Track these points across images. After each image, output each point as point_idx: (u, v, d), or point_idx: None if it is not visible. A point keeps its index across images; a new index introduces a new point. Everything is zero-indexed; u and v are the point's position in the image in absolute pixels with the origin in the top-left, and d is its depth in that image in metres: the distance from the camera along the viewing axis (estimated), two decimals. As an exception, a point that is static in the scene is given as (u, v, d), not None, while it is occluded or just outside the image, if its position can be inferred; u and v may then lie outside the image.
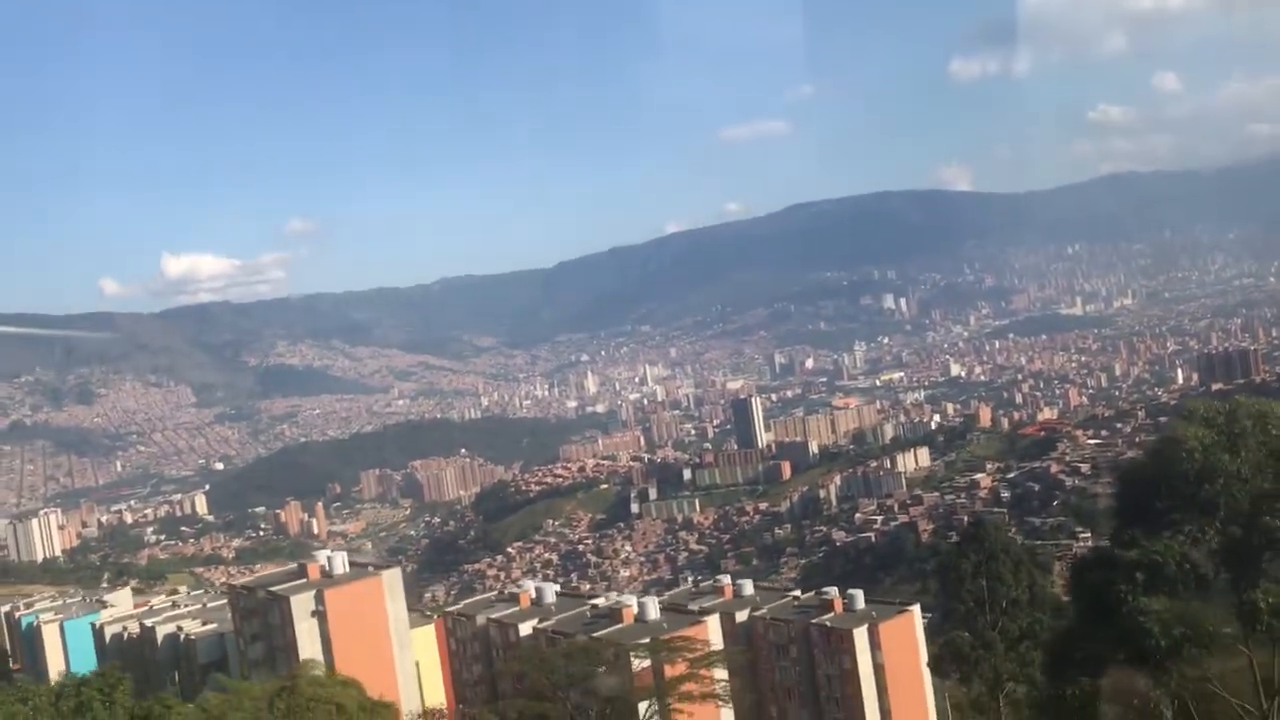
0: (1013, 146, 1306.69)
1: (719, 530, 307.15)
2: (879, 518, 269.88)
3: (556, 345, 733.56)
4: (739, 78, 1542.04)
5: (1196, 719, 28.52)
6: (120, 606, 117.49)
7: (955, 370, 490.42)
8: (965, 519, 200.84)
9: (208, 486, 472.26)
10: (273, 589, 78.49)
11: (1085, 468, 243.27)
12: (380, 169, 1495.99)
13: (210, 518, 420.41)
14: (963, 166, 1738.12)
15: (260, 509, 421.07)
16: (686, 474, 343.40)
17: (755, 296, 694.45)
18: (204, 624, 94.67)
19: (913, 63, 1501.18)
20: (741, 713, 80.00)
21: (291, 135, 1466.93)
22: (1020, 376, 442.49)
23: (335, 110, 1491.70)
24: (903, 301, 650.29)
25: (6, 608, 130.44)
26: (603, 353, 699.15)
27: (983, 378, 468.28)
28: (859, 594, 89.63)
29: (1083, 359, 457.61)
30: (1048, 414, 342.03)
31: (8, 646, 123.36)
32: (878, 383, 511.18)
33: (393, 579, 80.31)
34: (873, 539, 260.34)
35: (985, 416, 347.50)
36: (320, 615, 74.37)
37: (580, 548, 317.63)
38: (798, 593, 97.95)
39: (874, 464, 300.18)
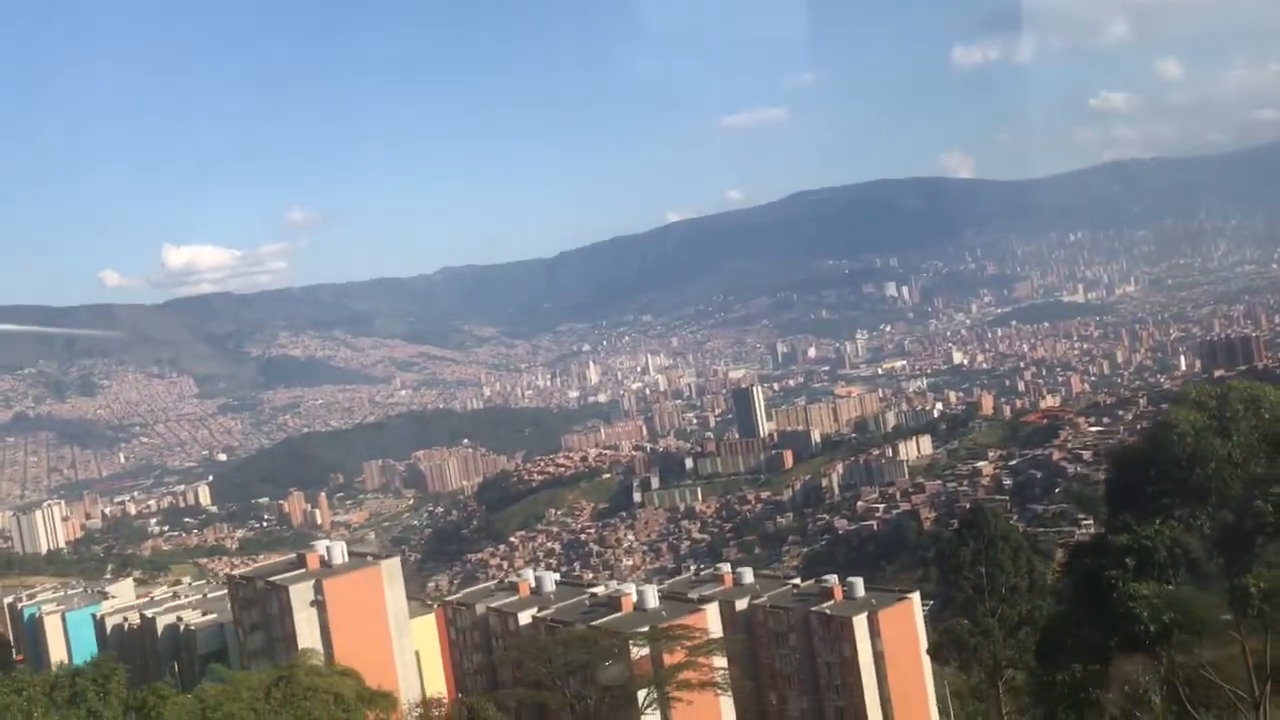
0: (1014, 134, 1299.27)
1: (721, 519, 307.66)
2: (881, 506, 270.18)
3: (558, 335, 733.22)
4: (740, 65, 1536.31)
5: (1188, 704, 28.44)
6: (122, 597, 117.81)
7: (957, 358, 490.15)
8: (967, 507, 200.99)
9: (211, 477, 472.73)
10: (271, 579, 78.54)
11: (1087, 455, 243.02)
12: (381, 159, 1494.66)
13: (213, 509, 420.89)
14: (965, 154, 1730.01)
15: (263, 500, 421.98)
16: (689, 463, 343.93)
17: (757, 285, 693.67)
18: (204, 614, 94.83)
19: (914, 50, 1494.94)
20: (741, 700, 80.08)
21: (292, 125, 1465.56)
22: (1022, 364, 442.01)
23: (336, 100, 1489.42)
24: (905, 289, 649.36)
25: (9, 599, 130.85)
26: (605, 342, 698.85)
27: (985, 365, 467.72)
28: (859, 582, 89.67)
29: (1085, 346, 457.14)
30: (1050, 401, 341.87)
31: (10, 638, 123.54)
32: (880, 371, 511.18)
33: (391, 568, 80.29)
34: (875, 527, 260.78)
35: (987, 404, 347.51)
36: (319, 605, 74.39)
37: (583, 537, 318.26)
38: (797, 581, 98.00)
39: (876, 452, 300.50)
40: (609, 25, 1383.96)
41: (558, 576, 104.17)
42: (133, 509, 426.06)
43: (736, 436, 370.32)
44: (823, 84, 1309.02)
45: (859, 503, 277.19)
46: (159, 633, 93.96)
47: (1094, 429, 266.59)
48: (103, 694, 36.81)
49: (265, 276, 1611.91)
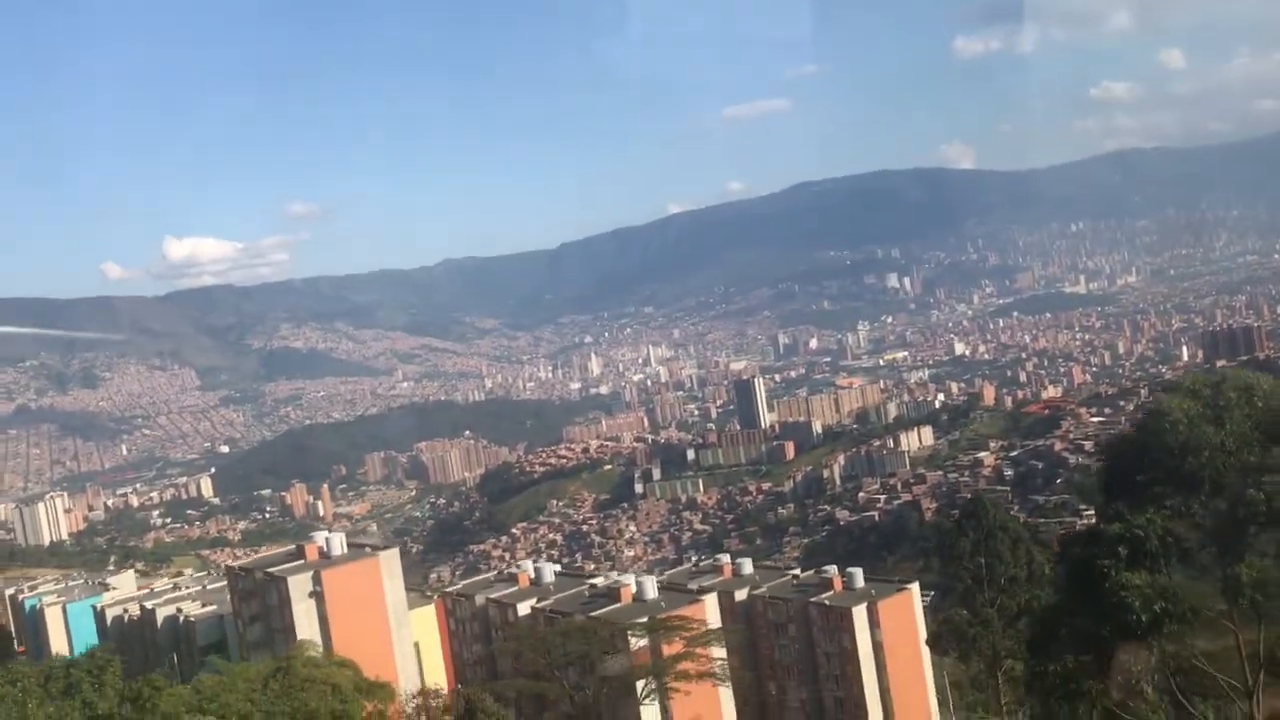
0: (1016, 124, 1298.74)
1: (722, 510, 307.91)
2: (882, 497, 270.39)
3: (560, 327, 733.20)
4: (741, 56, 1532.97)
5: (1179, 694, 28.41)
6: (122, 589, 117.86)
7: (959, 349, 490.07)
8: (968, 497, 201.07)
9: (213, 469, 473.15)
10: (270, 570, 78.60)
11: (1089, 445, 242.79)
12: (382, 150, 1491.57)
13: (216, 500, 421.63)
14: (966, 144, 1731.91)
15: (266, 491, 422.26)
16: (690, 454, 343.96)
17: (758, 276, 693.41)
18: (204, 606, 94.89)
19: (916, 40, 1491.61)
20: (741, 691, 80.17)
21: (294, 117, 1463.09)
22: (1024, 355, 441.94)
23: (337, 92, 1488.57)
24: (906, 280, 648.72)
25: (11, 591, 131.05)
26: (606, 334, 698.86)
27: (986, 356, 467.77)
28: (858, 572, 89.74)
29: (1086, 337, 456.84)
30: (1051, 392, 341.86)
31: (12, 629, 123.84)
32: (881, 362, 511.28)
33: (390, 559, 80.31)
34: (876, 518, 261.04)
35: (989, 395, 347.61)
36: (318, 596, 74.47)
37: (584, 528, 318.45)
38: (797, 571, 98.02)
39: (877, 443, 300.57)
40: (610, 16, 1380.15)
41: (557, 567, 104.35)
42: (135, 501, 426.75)
43: (738, 428, 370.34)
44: (824, 75, 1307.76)
45: (860, 493, 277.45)
46: (159, 624, 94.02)
47: (1096, 419, 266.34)
48: (98, 685, 36.87)
49: (267, 268, 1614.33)
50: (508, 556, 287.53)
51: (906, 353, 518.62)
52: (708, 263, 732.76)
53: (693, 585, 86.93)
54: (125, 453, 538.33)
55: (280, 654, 63.22)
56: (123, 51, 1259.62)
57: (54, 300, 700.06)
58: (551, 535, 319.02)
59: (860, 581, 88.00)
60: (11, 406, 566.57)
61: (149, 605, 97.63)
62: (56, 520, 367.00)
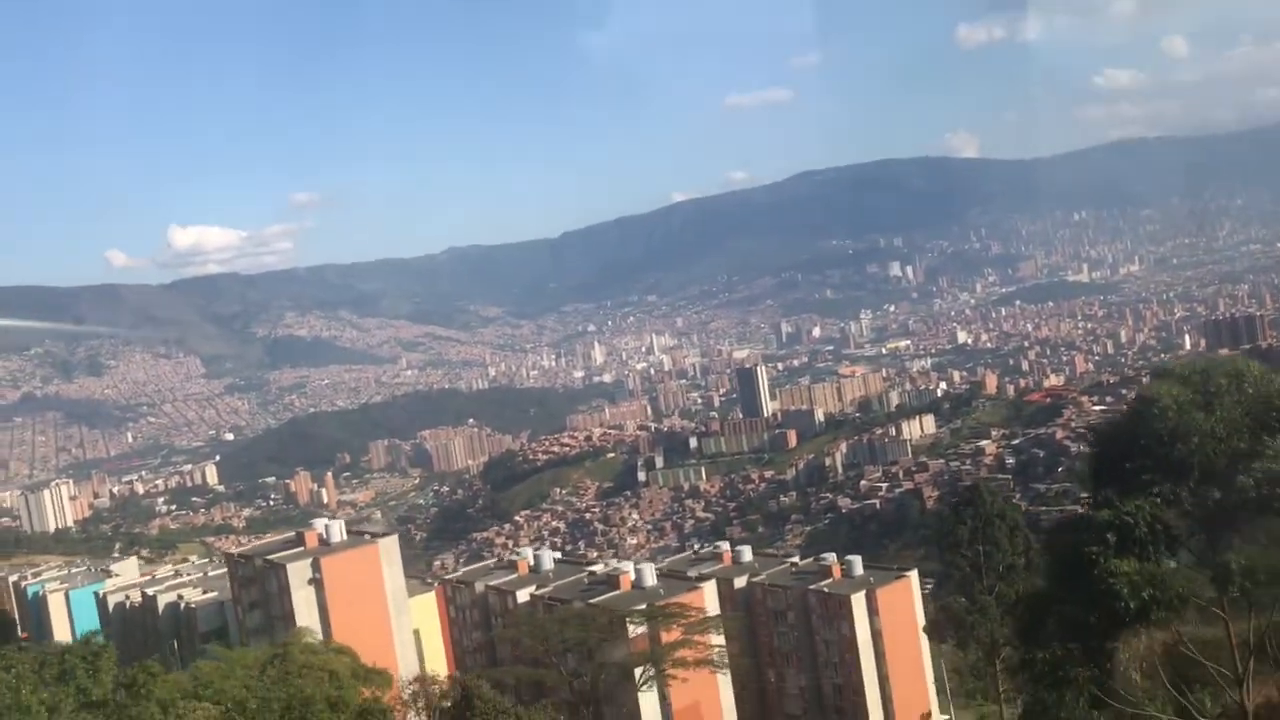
0: (1019, 112, 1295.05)
1: (725, 498, 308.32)
2: (884, 485, 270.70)
3: (563, 315, 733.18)
4: (744, 45, 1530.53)
5: (1167, 683, 28.42)
6: (125, 576, 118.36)
7: (962, 338, 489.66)
8: (969, 485, 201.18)
9: (218, 457, 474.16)
10: (270, 557, 78.88)
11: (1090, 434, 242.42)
12: (386, 139, 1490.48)
13: (220, 488, 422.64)
14: (969, 133, 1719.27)
15: (270, 479, 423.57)
16: (693, 442, 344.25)
17: (761, 265, 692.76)
18: (205, 593, 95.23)
19: (919, 28, 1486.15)
20: (739, 678, 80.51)
21: (298, 106, 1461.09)
22: (1026, 343, 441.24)
23: (341, 81, 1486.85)
24: (909, 269, 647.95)
25: (14, 578, 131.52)
26: (609, 322, 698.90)
27: (989, 345, 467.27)
28: (857, 560, 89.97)
29: (1089, 326, 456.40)
30: (1054, 381, 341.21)
31: (16, 616, 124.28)
32: (884, 351, 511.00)
33: (389, 546, 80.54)
34: (878, 506, 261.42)
35: (991, 384, 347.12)
36: (317, 583, 74.77)
37: (587, 516, 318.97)
38: (796, 559, 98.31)
39: (879, 431, 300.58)
40: (614, 5, 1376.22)
41: (557, 555, 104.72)
42: (140, 488, 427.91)
43: (740, 416, 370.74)
44: (827, 63, 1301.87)
45: (862, 482, 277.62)
46: (160, 611, 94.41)
47: (1097, 408, 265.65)
48: (92, 671, 37.00)
49: (271, 257, 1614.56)
50: (511, 544, 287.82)
51: (909, 341, 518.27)
52: (711, 251, 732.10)
53: (692, 573, 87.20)
54: (130, 440, 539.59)
55: (280, 641, 63.42)
56: (127, 40, 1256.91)
57: (59, 288, 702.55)
58: (554, 523, 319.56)
59: (859, 569, 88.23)
60: (17, 394, 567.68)
61: (150, 592, 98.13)
62: (62, 507, 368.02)
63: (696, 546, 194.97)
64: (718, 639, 71.90)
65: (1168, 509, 26.49)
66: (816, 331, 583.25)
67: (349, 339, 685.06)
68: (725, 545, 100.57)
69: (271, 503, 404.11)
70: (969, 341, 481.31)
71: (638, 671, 70.72)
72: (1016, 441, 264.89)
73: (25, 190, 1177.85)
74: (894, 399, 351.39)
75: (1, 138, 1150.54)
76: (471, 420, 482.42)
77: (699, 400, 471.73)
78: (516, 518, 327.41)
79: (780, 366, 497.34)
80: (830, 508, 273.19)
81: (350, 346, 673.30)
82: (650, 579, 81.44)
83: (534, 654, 72.83)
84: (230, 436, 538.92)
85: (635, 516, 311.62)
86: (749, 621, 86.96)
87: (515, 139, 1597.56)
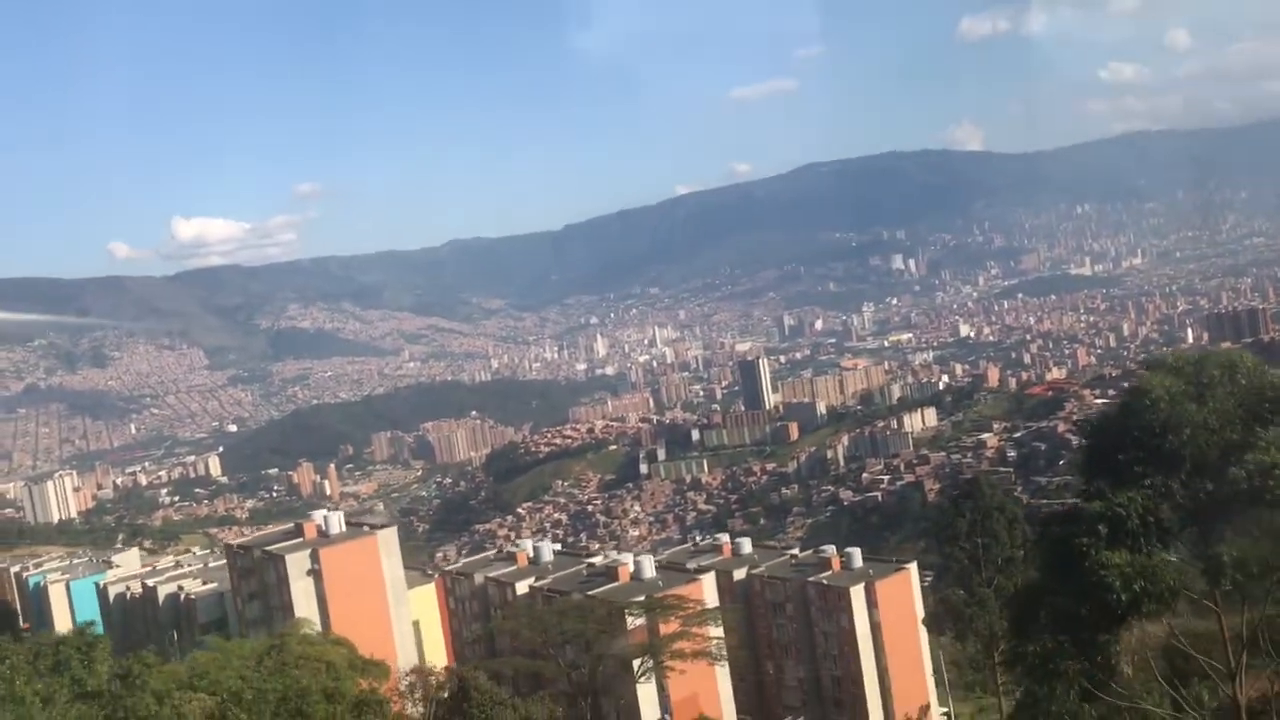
0: (1023, 105, 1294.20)
1: (727, 490, 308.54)
2: (886, 477, 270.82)
3: (566, 307, 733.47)
4: (748, 37, 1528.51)
5: (1159, 676, 28.35)
6: (126, 567, 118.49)
7: (964, 331, 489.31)
8: (968, 478, 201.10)
9: (221, 448, 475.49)
10: (268, 548, 78.95)
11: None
12: (389, 132, 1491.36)
13: (224, 479, 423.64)
14: (973, 126, 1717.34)
15: (273, 471, 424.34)
16: (695, 435, 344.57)
17: (764, 258, 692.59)
18: (205, 584, 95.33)
19: (923, 21, 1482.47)
20: (738, 670, 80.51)
21: (300, 98, 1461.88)
22: (1029, 337, 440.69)
23: (344, 72, 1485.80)
24: (912, 262, 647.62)
25: (16, 568, 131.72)
26: (612, 315, 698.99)
27: (991, 338, 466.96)
28: (856, 552, 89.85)
29: (1092, 319, 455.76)
30: (1056, 374, 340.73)
31: (17, 606, 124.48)
32: (886, 343, 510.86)
33: (388, 538, 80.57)
34: (879, 498, 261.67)
35: (993, 377, 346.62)
36: (315, 574, 74.84)
37: (589, 508, 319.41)
38: (795, 551, 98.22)
39: (881, 424, 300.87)
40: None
41: (556, 546, 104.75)
42: (144, 479, 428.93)
43: (742, 408, 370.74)
44: (831, 56, 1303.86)
45: (864, 474, 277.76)
46: (160, 602, 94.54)
47: (1099, 401, 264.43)
48: (87, 662, 37.02)
49: (274, 249, 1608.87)
50: (513, 536, 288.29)
51: (911, 334, 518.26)
52: (713, 244, 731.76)
53: (691, 565, 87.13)
54: (134, 431, 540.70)
55: (278, 632, 63.52)
56: (131, 33, 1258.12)
57: (63, 280, 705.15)
58: (557, 515, 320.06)
59: (858, 561, 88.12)
60: (21, 385, 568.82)
61: (151, 583, 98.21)
62: (65, 498, 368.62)
63: (698, 538, 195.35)
64: (716, 631, 71.86)
65: (1160, 501, 26.38)
66: (819, 324, 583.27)
67: (352, 331, 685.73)
68: (725, 537, 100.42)
69: (274, 494, 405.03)
70: (971, 334, 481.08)
71: (636, 663, 70.73)
72: (1018, 435, 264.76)
73: (30, 182, 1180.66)
74: (896, 392, 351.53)
75: (6, 130, 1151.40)
76: (474, 412, 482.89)
77: (701, 393, 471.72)
78: (519, 510, 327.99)
79: (782, 359, 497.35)
80: (832, 500, 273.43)
81: (353, 338, 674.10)
82: (649, 571, 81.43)
83: (532, 645, 72.88)
84: (233, 428, 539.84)
85: (637, 509, 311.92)
86: (748, 614, 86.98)
87: (518, 131, 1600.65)
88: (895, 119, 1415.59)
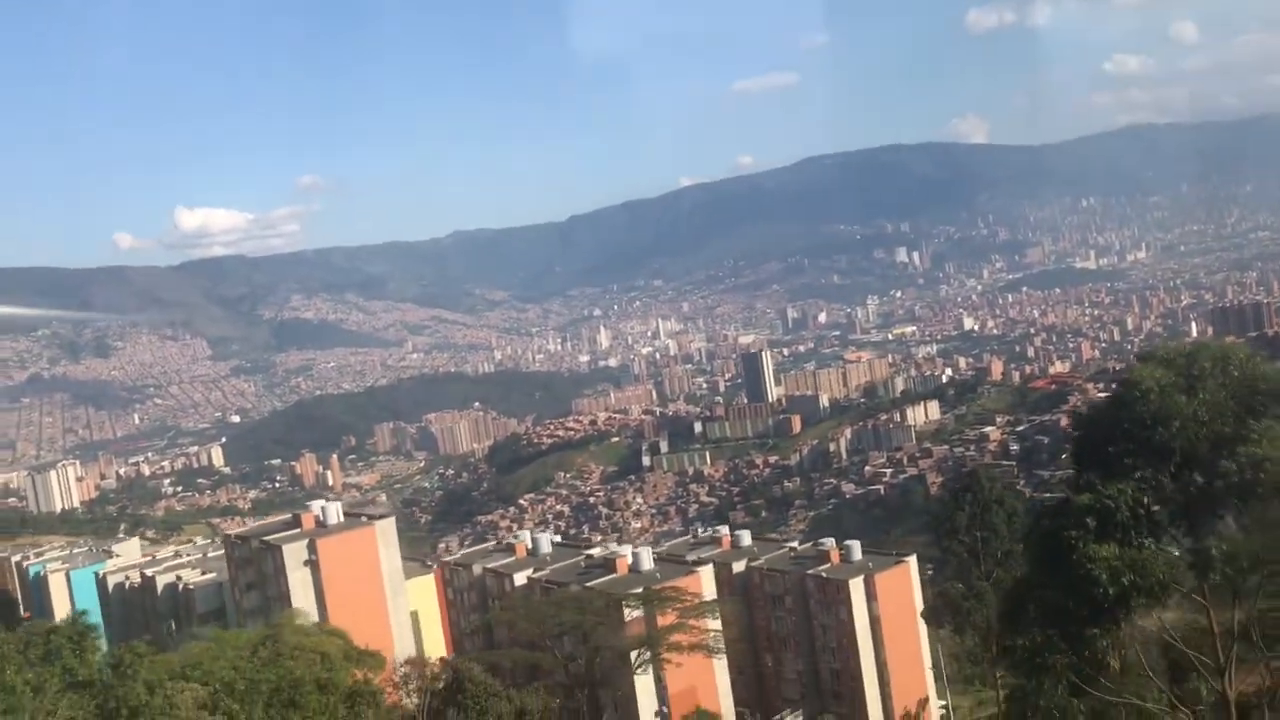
0: (1027, 98, 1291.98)
1: (729, 483, 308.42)
2: (888, 470, 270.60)
3: (569, 299, 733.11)
4: (752, 30, 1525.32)
5: (1147, 668, 28.21)
6: (126, 556, 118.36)
7: (968, 324, 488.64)
8: (969, 472, 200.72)
9: (224, 439, 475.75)
10: (266, 538, 78.82)
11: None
12: (393, 122, 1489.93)
13: (226, 470, 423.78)
14: (978, 119, 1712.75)
15: (276, 461, 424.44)
16: (697, 427, 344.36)
17: (768, 250, 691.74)
18: (204, 574, 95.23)
19: (927, 13, 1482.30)
20: (736, 662, 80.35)
21: (304, 89, 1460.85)
22: (1033, 330, 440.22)
23: (348, 63, 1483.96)
24: (916, 255, 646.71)
25: (17, 557, 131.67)
26: (615, 307, 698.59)
27: (995, 331, 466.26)
28: (856, 545, 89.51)
29: (1096, 313, 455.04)
30: (1060, 368, 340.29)
31: (18, 596, 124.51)
32: (890, 336, 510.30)
33: (386, 528, 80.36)
34: (882, 492, 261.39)
35: (997, 370, 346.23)
36: (313, 564, 74.69)
37: (592, 500, 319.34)
38: (795, 544, 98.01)
39: (884, 417, 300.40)
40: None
41: (556, 538, 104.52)
42: (147, 470, 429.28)
43: (745, 401, 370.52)
44: (835, 48, 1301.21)
45: (866, 467, 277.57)
46: (159, 591, 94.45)
47: (1103, 395, 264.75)
48: (79, 651, 37.01)
49: (278, 239, 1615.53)
50: (515, 527, 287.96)
51: (915, 327, 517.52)
52: (717, 236, 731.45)
53: (690, 557, 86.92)
54: (137, 422, 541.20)
55: (276, 622, 63.50)
56: (135, 24, 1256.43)
57: (67, 270, 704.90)
58: (559, 506, 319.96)
59: (858, 554, 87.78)
60: (25, 375, 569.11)
61: (149, 573, 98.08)
62: (68, 488, 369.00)
63: (699, 530, 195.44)
64: (714, 623, 71.72)
65: (1149, 493, 26.22)
66: (822, 317, 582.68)
67: (355, 322, 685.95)
68: (724, 530, 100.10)
69: (277, 485, 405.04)
70: (975, 328, 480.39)
71: (633, 655, 70.69)
72: (1021, 428, 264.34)
73: (34, 173, 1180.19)
74: (899, 385, 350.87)
75: (10, 121, 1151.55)
76: (477, 404, 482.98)
77: (704, 385, 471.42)
78: (521, 501, 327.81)
79: (786, 352, 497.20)
80: (834, 493, 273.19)
81: (356, 329, 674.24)
82: (647, 563, 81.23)
83: (530, 637, 72.82)
84: (236, 419, 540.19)
85: (639, 501, 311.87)
86: (747, 606, 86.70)
87: (523, 123, 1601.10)
88: (899, 111, 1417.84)
